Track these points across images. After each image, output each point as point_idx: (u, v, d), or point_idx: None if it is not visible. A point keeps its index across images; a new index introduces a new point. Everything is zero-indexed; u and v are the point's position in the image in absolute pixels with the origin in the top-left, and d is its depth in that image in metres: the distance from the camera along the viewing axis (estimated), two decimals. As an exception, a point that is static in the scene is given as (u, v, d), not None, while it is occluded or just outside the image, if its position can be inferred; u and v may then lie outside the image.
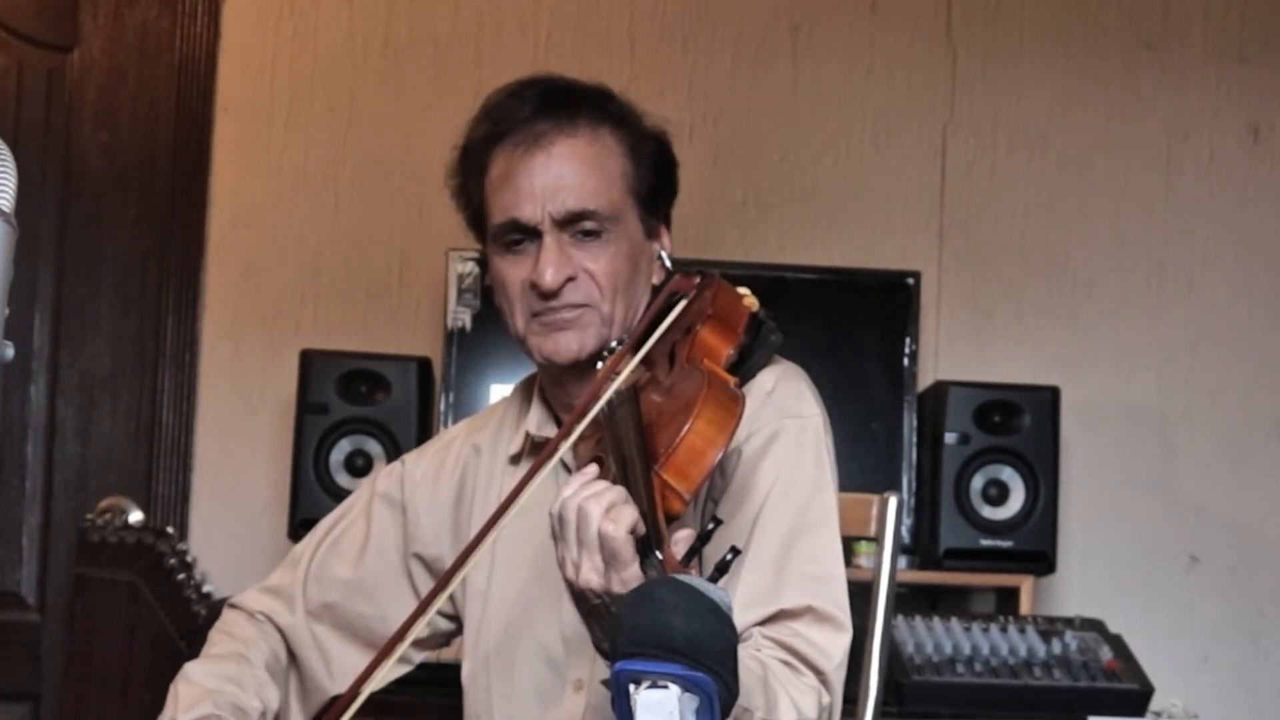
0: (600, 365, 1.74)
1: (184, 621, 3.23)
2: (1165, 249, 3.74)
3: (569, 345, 1.79)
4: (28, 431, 3.60)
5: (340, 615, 1.94)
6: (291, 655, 1.94)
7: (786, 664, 1.64)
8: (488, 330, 3.35)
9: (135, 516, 3.44)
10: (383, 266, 3.68)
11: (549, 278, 1.77)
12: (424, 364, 3.37)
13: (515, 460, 1.91)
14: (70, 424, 3.63)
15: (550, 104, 1.83)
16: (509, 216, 1.80)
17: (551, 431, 1.86)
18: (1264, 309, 3.73)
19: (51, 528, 3.60)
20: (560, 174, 1.79)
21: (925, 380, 3.51)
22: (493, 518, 1.62)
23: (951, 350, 3.69)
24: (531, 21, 3.73)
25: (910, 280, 3.47)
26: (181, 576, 3.26)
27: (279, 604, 1.95)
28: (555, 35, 3.72)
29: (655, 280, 1.87)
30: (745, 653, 1.62)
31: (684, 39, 3.75)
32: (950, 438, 3.30)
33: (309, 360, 3.33)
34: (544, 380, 1.91)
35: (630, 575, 1.48)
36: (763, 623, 1.67)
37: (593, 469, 1.57)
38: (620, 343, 1.76)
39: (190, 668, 1.87)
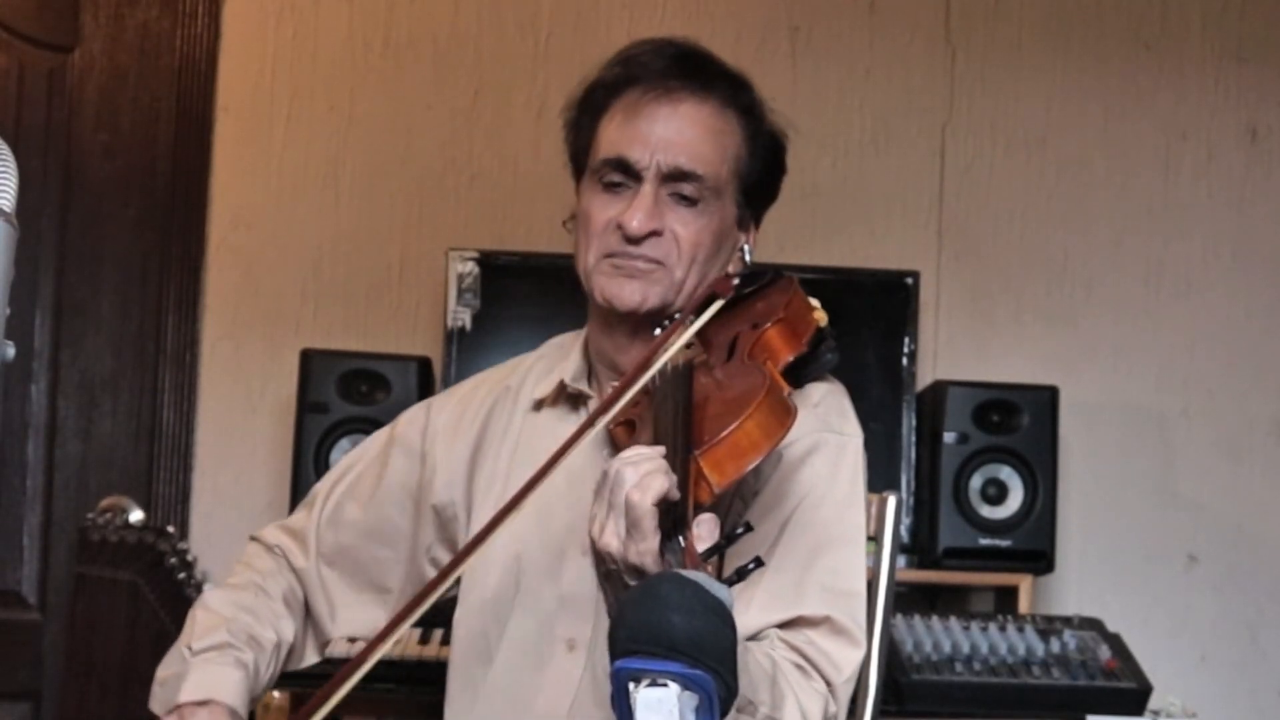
0: (659, 332, 1.74)
1: (184, 620, 3.23)
2: (1163, 249, 3.75)
3: (633, 294, 1.79)
4: (29, 431, 3.61)
5: (353, 558, 1.96)
6: (305, 596, 1.96)
7: (798, 666, 1.65)
8: (488, 330, 3.36)
9: (136, 516, 3.44)
10: (383, 266, 3.69)
11: (636, 224, 1.77)
12: (424, 363, 3.38)
13: (538, 406, 1.91)
14: (71, 423, 3.63)
15: (689, 66, 1.85)
16: (618, 152, 1.81)
17: (584, 386, 1.87)
18: (1262, 309, 3.74)
19: (52, 527, 3.61)
20: (680, 130, 1.80)
21: (924, 380, 3.51)
22: (531, 481, 1.62)
23: (950, 350, 3.70)
24: (531, 21, 3.74)
25: (909, 280, 3.48)
26: (182, 575, 3.27)
27: (295, 544, 1.97)
28: (555, 35, 3.73)
29: (732, 269, 1.87)
30: (758, 648, 1.63)
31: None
32: (949, 437, 3.31)
33: (309, 360, 3.33)
34: (593, 328, 1.90)
35: (648, 549, 1.48)
36: (781, 626, 1.68)
37: (660, 449, 1.55)
38: (682, 313, 1.76)
39: (209, 595, 1.90)
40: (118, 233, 3.68)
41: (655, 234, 1.78)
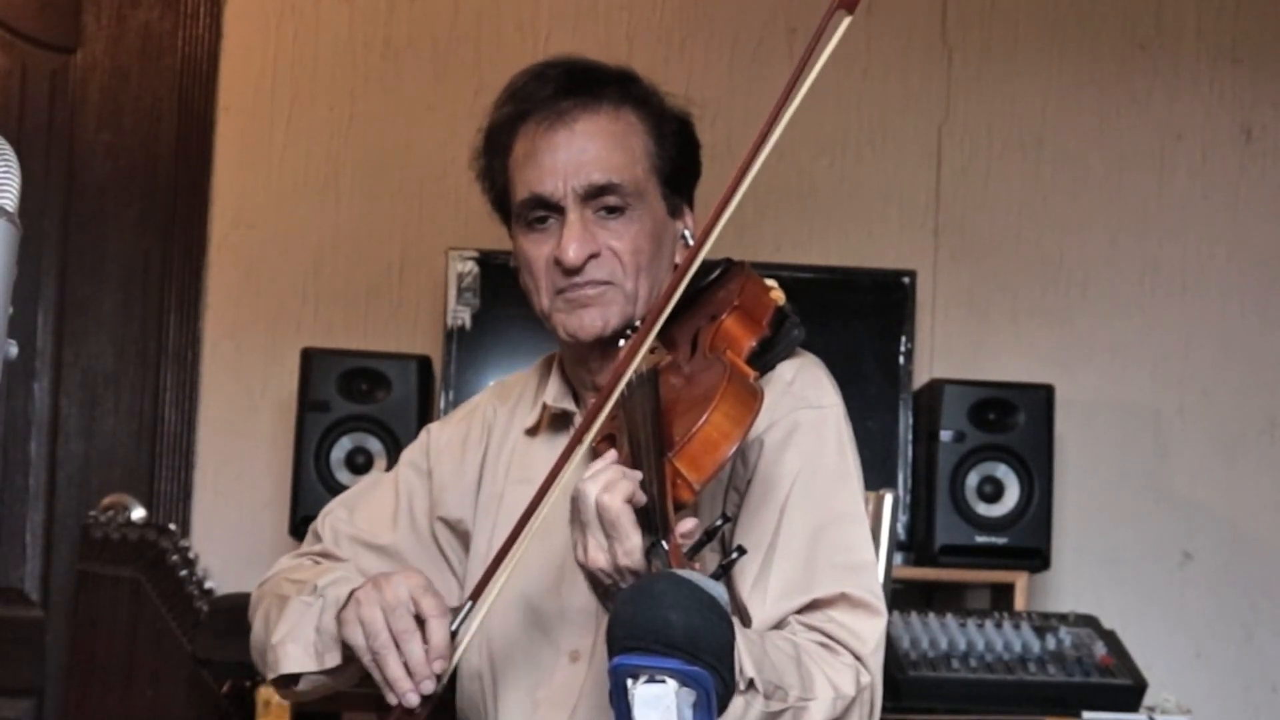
0: (623, 343, 1.74)
1: (186, 617, 3.25)
2: (1159, 248, 3.76)
3: (593, 322, 1.79)
4: (31, 429, 3.62)
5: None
6: None
7: (822, 645, 1.66)
8: (487, 329, 3.37)
9: (138, 513, 3.47)
10: (383, 266, 3.70)
11: (572, 253, 1.77)
12: (424, 362, 3.39)
13: (531, 432, 1.92)
14: (73, 421, 3.65)
15: (574, 83, 1.83)
16: (531, 191, 1.81)
17: (568, 404, 1.88)
18: (1257, 307, 3.75)
19: (55, 524, 3.62)
20: (584, 149, 1.80)
21: (921, 378, 3.53)
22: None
23: (947, 348, 3.71)
24: (531, 22, 3.75)
25: (906, 279, 3.49)
26: (183, 573, 3.29)
27: (322, 557, 1.95)
28: (554, 36, 3.74)
29: (678, 260, 1.86)
30: (778, 635, 1.64)
31: (681, 40, 3.77)
32: (945, 435, 3.32)
33: (310, 358, 3.34)
34: (566, 358, 1.91)
35: (633, 547, 1.50)
36: (797, 612, 1.69)
37: (611, 454, 1.58)
38: (644, 321, 1.75)
39: (276, 583, 1.86)
40: (119, 232, 3.69)
41: (594, 256, 1.79)
